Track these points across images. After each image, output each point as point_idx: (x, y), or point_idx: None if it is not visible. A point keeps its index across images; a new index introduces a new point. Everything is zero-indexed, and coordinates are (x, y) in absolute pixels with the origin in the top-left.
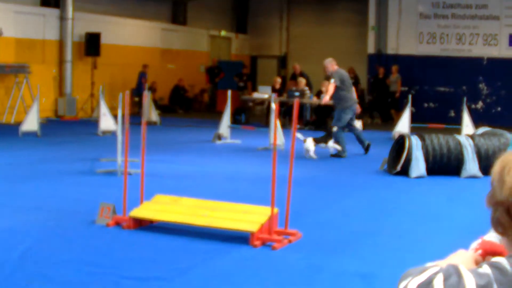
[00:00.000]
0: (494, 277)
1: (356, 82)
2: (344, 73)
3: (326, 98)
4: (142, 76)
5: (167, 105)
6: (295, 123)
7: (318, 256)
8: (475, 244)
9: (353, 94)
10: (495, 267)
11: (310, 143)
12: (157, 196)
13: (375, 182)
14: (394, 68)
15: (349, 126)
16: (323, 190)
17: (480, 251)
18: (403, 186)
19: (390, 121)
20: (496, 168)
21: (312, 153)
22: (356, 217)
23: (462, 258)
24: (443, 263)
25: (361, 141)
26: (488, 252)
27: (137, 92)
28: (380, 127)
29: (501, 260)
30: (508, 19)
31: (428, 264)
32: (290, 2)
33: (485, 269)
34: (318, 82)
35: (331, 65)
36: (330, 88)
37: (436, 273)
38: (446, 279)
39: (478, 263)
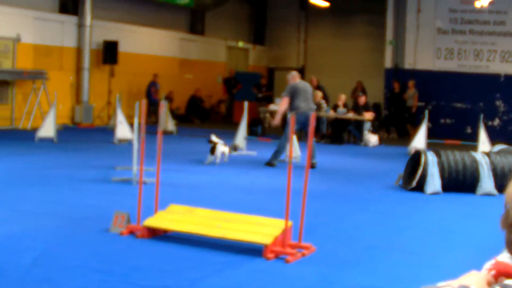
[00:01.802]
0: None
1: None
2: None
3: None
4: (152, 85)
5: (184, 115)
6: (311, 137)
7: (331, 270)
8: (488, 264)
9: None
10: None
11: (222, 147)
12: (171, 206)
13: (390, 197)
14: (411, 83)
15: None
16: (338, 203)
17: (493, 272)
18: (418, 202)
19: (406, 136)
20: (509, 189)
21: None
22: (370, 232)
23: (475, 279)
24: (455, 283)
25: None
26: (501, 273)
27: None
28: (396, 142)
29: None
30: None
31: (440, 284)
32: (308, 15)
33: None
34: (335, 95)
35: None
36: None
37: None
38: None
39: (490, 285)
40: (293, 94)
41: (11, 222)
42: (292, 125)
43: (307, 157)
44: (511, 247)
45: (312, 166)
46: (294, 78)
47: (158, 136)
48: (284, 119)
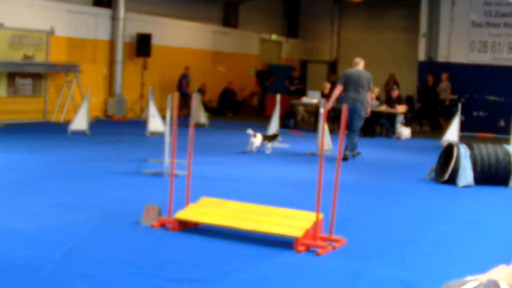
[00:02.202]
0: None
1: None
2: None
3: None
4: (183, 78)
5: (216, 108)
6: (343, 129)
7: (361, 263)
8: None
9: (352, 92)
10: None
11: (258, 140)
12: (202, 199)
13: (422, 190)
14: (444, 76)
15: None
16: (369, 196)
17: None
18: (449, 195)
19: (439, 129)
20: None
21: (254, 148)
22: (401, 225)
23: (503, 274)
24: (483, 277)
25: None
26: None
27: (179, 93)
28: (429, 135)
29: None
30: None
31: (468, 278)
32: (342, 7)
33: None
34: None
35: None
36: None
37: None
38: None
39: None
40: (345, 82)
41: (45, 215)
42: (344, 116)
43: (339, 150)
44: None
45: (345, 158)
46: (354, 64)
47: (190, 129)
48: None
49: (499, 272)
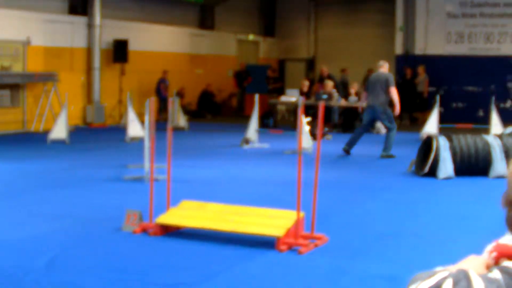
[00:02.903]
0: (505, 283)
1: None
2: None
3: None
4: (161, 82)
5: (196, 110)
6: (320, 126)
7: (344, 260)
8: (489, 247)
9: (370, 95)
10: (506, 272)
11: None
12: (183, 202)
13: (403, 184)
14: (421, 68)
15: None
16: (350, 192)
17: (494, 254)
18: (430, 188)
19: (416, 122)
20: (510, 167)
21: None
22: (383, 219)
23: (473, 263)
24: (453, 268)
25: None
26: (502, 255)
27: (157, 98)
28: (408, 128)
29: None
30: None
31: (438, 269)
32: (318, 4)
33: (496, 274)
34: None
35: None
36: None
37: (445, 278)
38: (455, 284)
39: (489, 268)
40: (367, 88)
41: (26, 225)
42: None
43: (317, 148)
44: (510, 224)
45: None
46: (378, 67)
47: (168, 133)
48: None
49: (469, 262)
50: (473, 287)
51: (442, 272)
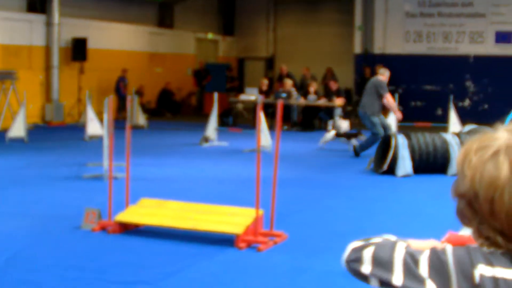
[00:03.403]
0: (429, 255)
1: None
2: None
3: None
4: (121, 80)
5: (155, 109)
6: (279, 125)
7: (303, 257)
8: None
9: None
10: (434, 252)
11: (330, 135)
12: (142, 200)
13: (361, 182)
14: (379, 67)
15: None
16: (309, 190)
17: (446, 243)
18: (389, 185)
19: None
20: (458, 158)
21: (324, 141)
22: (342, 217)
23: (424, 244)
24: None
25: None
26: (453, 244)
27: (117, 96)
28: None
29: (447, 247)
30: (494, 17)
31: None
32: (277, 3)
33: (426, 252)
34: (305, 83)
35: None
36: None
37: (372, 243)
38: (377, 249)
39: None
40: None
41: None
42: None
43: (276, 146)
44: (461, 216)
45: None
46: (378, 73)
47: (127, 131)
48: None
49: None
50: (395, 247)
51: (375, 238)
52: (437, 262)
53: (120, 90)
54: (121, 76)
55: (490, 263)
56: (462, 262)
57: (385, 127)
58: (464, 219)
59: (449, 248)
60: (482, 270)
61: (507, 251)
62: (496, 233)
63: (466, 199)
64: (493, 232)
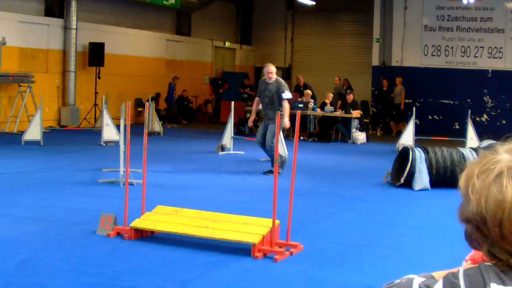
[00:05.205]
0: (442, 283)
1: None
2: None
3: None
4: (172, 87)
5: (171, 116)
6: (296, 135)
7: (319, 269)
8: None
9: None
10: (447, 279)
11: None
12: (158, 207)
13: (378, 194)
14: (398, 80)
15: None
16: (326, 201)
17: (469, 262)
18: (406, 199)
19: (390, 134)
20: (461, 183)
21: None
22: (358, 229)
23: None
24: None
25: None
26: (478, 260)
27: (167, 102)
28: (384, 139)
29: (460, 270)
30: None
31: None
32: (295, 13)
33: (439, 283)
34: (322, 93)
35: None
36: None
37: (396, 281)
38: (400, 285)
39: None
40: None
41: None
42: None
43: (294, 156)
44: (470, 240)
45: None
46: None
47: (144, 137)
48: None
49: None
50: (412, 282)
51: (398, 280)
52: (450, 287)
53: (172, 97)
54: (172, 83)
55: (502, 281)
56: (474, 282)
57: None
58: (473, 243)
59: (461, 270)
60: None
61: None
62: (508, 255)
63: (473, 223)
64: (505, 255)
